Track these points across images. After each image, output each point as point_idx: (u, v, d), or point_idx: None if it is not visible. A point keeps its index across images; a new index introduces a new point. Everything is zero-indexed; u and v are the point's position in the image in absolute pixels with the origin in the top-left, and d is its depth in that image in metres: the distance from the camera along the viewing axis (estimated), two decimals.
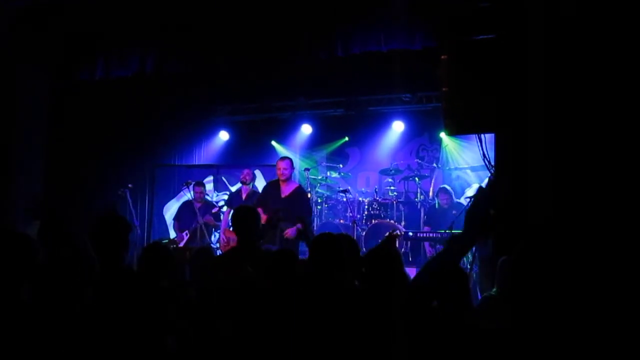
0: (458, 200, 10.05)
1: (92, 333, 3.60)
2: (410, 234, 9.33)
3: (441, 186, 10.13)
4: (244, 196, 9.35)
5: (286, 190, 7.97)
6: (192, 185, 9.97)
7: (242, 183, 9.47)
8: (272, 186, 8.15)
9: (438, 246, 9.00)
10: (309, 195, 9.35)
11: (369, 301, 3.87)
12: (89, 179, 11.51)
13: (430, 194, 11.06)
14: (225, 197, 11.06)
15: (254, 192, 9.51)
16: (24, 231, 3.88)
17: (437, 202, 9.88)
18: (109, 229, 4.10)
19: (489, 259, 6.36)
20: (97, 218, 4.23)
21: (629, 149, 3.92)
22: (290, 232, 7.57)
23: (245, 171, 9.58)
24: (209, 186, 11.44)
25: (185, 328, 4.38)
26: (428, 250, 9.46)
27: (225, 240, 9.07)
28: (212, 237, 10.31)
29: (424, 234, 9.33)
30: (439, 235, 8.89)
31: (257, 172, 11.82)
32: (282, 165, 8.01)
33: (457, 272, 4.28)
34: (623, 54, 3.99)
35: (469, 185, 10.99)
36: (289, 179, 8.03)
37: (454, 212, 9.18)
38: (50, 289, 3.64)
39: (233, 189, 11.53)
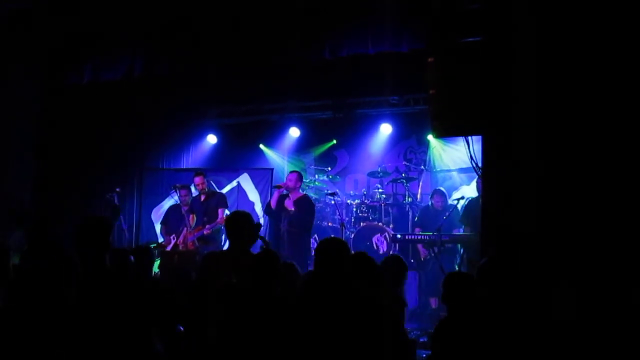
0: (429, 203, 10.08)
1: (76, 334, 3.60)
2: (399, 236, 9.34)
3: (437, 188, 10.12)
4: (202, 198, 9.74)
5: (292, 198, 9.08)
6: (178, 189, 9.97)
7: (200, 192, 9.79)
8: (284, 195, 9.23)
9: (435, 248, 8.97)
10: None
11: (362, 303, 3.88)
12: (77, 182, 11.45)
13: (419, 196, 11.08)
14: None
15: (212, 192, 10.10)
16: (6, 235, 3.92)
17: (430, 203, 9.88)
18: (90, 230, 4.11)
19: (476, 261, 6.39)
20: (81, 219, 4.24)
21: (618, 152, 3.95)
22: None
23: (197, 180, 9.79)
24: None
25: (173, 330, 4.39)
26: (422, 251, 9.46)
27: (181, 242, 9.51)
28: None
29: (412, 236, 9.35)
30: (427, 237, 8.90)
31: (245, 175, 11.81)
32: (287, 177, 9.37)
33: (464, 277, 4.35)
34: (612, 55, 4.02)
35: (457, 188, 11.02)
36: (295, 189, 9.12)
37: (447, 214, 9.19)
38: (31, 293, 3.66)
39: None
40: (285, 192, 9.14)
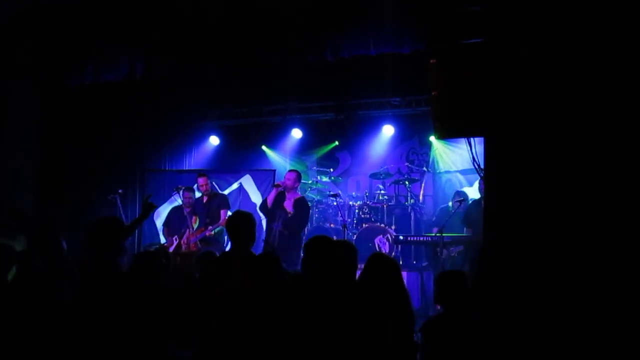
0: (448, 204, 10.08)
1: (78, 336, 3.61)
2: (401, 237, 9.34)
3: (458, 190, 10.12)
4: (204, 200, 9.72)
5: (290, 198, 8.86)
6: (181, 191, 9.96)
7: (203, 193, 9.78)
8: (281, 194, 8.94)
9: (452, 248, 8.92)
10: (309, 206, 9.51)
11: (363, 308, 3.86)
12: (79, 184, 11.45)
13: (421, 197, 11.08)
14: None
15: (215, 193, 10.06)
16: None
17: (450, 204, 9.85)
18: (100, 234, 4.10)
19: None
20: (90, 222, 4.23)
21: (619, 152, 3.95)
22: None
23: (201, 181, 9.77)
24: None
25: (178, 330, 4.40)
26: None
27: (184, 242, 9.48)
28: None
29: (414, 237, 9.34)
30: (429, 239, 8.90)
31: (247, 177, 11.80)
32: (286, 176, 9.10)
33: (458, 276, 4.34)
34: (612, 56, 4.02)
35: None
36: (292, 189, 8.90)
37: (449, 215, 9.17)
38: (31, 295, 3.67)
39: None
40: (282, 190, 8.93)
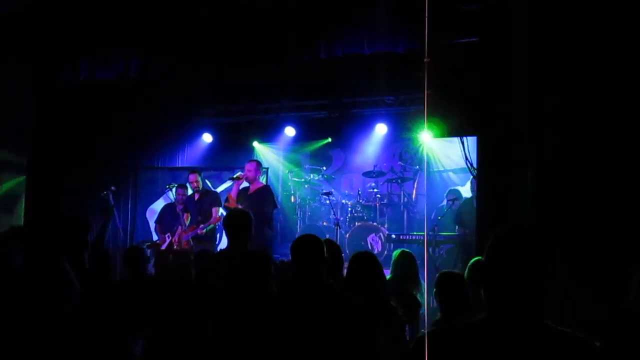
0: (442, 202, 10.10)
1: (56, 334, 3.60)
2: (393, 235, 9.36)
3: (451, 188, 10.14)
4: (196, 197, 9.62)
5: (252, 188, 8.67)
6: (174, 188, 9.94)
7: (194, 190, 9.68)
8: (245, 188, 8.75)
9: (441, 246, 8.89)
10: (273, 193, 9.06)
11: (351, 306, 3.86)
12: (73, 180, 11.44)
13: (414, 196, 11.10)
14: None
15: (207, 191, 9.91)
16: None
17: (444, 203, 9.87)
18: (67, 231, 4.08)
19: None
20: (54, 221, 4.20)
21: (612, 153, 3.97)
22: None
23: (191, 177, 9.65)
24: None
25: (153, 330, 4.39)
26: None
27: (176, 240, 9.40)
28: None
29: (407, 236, 9.38)
30: (421, 238, 8.92)
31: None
32: (246, 167, 8.81)
33: (456, 276, 4.33)
34: (608, 56, 4.04)
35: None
36: (255, 180, 8.69)
37: (441, 214, 9.19)
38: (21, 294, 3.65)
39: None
40: (247, 185, 8.68)
